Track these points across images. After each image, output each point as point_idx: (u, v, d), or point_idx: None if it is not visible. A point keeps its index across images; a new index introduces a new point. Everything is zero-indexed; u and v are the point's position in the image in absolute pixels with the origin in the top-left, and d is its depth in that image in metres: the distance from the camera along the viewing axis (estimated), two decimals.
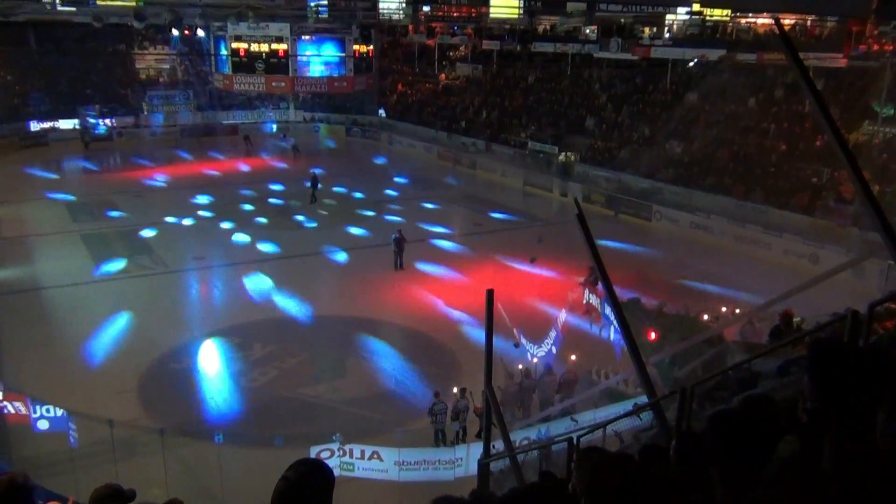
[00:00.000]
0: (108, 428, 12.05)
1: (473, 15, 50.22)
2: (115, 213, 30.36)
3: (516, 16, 48.90)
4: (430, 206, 33.11)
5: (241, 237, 27.56)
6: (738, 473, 2.17)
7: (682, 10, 42.56)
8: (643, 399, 7.64)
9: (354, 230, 29.00)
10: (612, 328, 16.01)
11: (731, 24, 41.90)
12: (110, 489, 3.61)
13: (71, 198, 32.49)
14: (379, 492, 12.92)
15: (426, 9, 50.92)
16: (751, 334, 14.76)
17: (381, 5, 50.52)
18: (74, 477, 11.56)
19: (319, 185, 33.05)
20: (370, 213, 31.49)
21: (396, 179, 38.42)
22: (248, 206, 31.89)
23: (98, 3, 42.49)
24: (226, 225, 29.02)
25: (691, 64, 37.95)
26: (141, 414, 15.03)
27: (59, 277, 22.74)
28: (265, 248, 26.48)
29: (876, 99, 28.40)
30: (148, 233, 27.74)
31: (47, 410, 12.71)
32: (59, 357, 17.42)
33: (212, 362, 17.71)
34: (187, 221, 29.47)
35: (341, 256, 25.96)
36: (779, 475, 2.07)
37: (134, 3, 41.93)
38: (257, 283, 23.19)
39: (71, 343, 18.41)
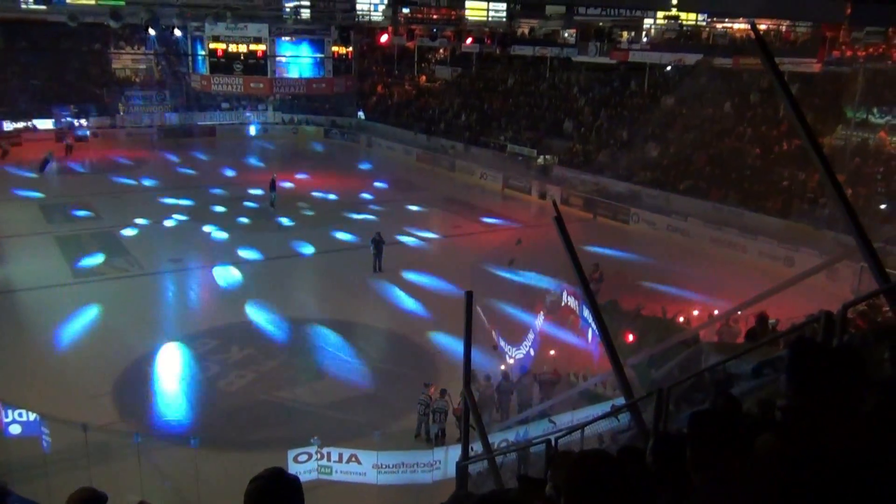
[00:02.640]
0: (82, 432, 11.90)
1: (453, 18, 50.22)
2: (90, 215, 29.99)
3: (485, 18, 48.97)
4: (408, 207, 33.07)
5: (218, 239, 27.36)
6: (716, 472, 2.19)
7: (659, 14, 42.93)
8: (621, 401, 7.69)
9: (332, 232, 28.87)
10: (590, 330, 16.09)
11: (707, 28, 42.33)
12: (87, 493, 3.58)
13: (43, 198, 32.07)
14: (357, 495, 12.87)
15: (406, 10, 50.84)
16: (728, 335, 14.93)
17: (358, 7, 50.35)
18: (47, 482, 11.40)
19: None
20: (348, 216, 31.36)
21: (375, 181, 38.33)
22: (224, 208, 31.62)
23: (69, 1, 41.86)
24: (203, 227, 28.76)
25: (668, 68, 38.28)
26: (116, 418, 14.86)
27: (32, 279, 22.42)
28: (242, 250, 26.25)
29: (849, 104, 28.83)
30: (123, 234, 27.44)
31: (19, 415, 12.50)
32: (32, 360, 17.16)
33: (188, 365, 17.54)
34: (164, 223, 29.18)
35: (319, 259, 25.85)
36: (755, 472, 2.09)
37: (110, 3, 41.36)
38: (234, 286, 23.03)
39: (44, 346, 18.15)
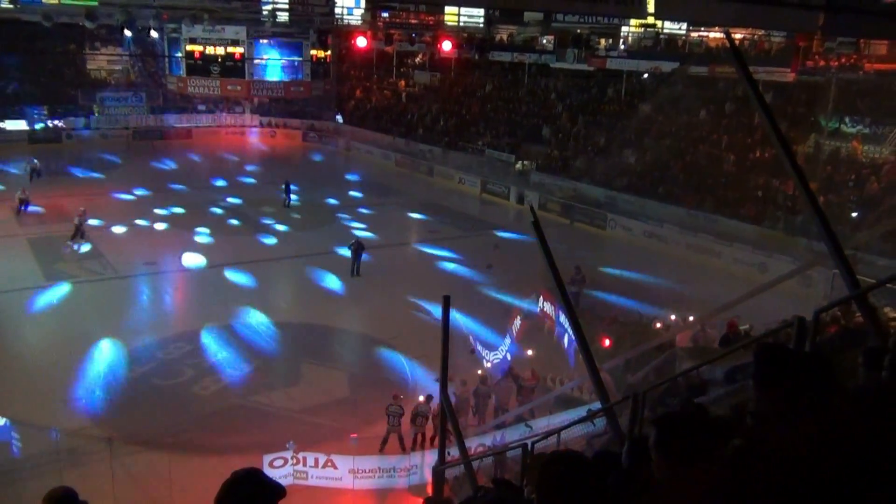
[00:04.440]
0: (53, 437, 11.73)
1: (431, 23, 50.26)
2: (63, 217, 29.52)
3: (457, 23, 49.07)
4: (386, 212, 33.02)
5: (193, 243, 27.07)
6: (681, 476, 2.21)
7: (636, 22, 43.26)
8: (597, 405, 7.73)
9: (310, 236, 28.76)
10: (567, 335, 16.16)
11: (683, 37, 42.74)
12: (65, 491, 3.54)
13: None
14: (333, 500, 12.82)
15: (385, 15, 50.83)
16: (702, 340, 15.08)
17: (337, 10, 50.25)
18: (16, 489, 11.23)
19: (293, 194, 32.91)
20: (326, 219, 31.27)
21: (353, 186, 38.26)
22: (200, 211, 31.35)
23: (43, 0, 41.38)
24: (178, 230, 28.51)
25: (645, 75, 38.62)
26: (88, 423, 14.66)
27: (3, 282, 22.05)
28: (218, 253, 26.07)
29: (822, 113, 29.25)
30: (98, 237, 27.07)
31: None
32: (2, 364, 16.88)
33: (162, 370, 17.36)
34: (138, 226, 28.84)
35: (296, 262, 25.72)
36: (724, 472, 2.11)
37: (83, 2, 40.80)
38: (210, 290, 22.83)
39: (15, 350, 17.87)
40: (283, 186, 32.95)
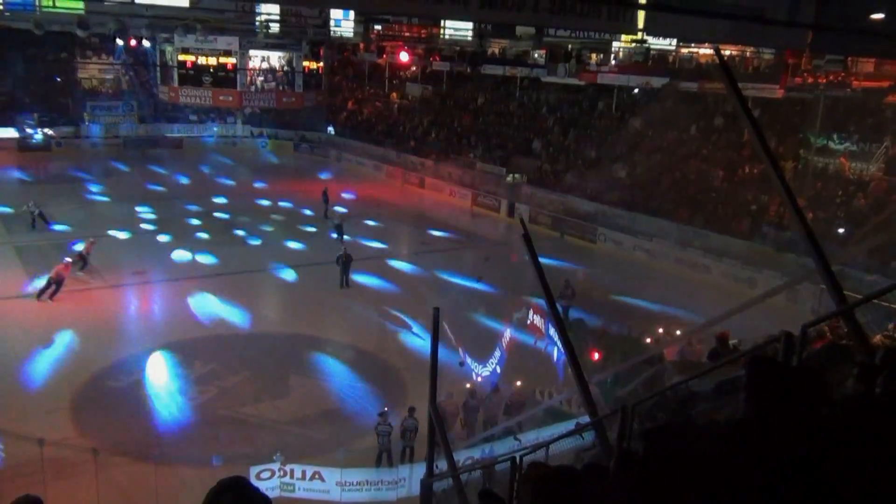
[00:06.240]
0: (37, 447, 11.61)
1: (424, 35, 50.38)
2: (51, 225, 29.34)
3: (441, 34, 49.24)
4: (376, 224, 32.99)
5: (181, 252, 26.95)
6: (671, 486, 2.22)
7: (627, 38, 43.57)
8: (586, 418, 7.72)
9: (299, 246, 28.70)
10: (556, 348, 16.15)
11: (673, 53, 43.09)
12: (29, 500, 3.50)
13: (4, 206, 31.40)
14: None
15: (378, 27, 50.94)
16: (690, 354, 15.09)
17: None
18: None
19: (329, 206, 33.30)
20: (316, 230, 31.21)
21: (342, 197, 38.20)
22: (190, 221, 31.27)
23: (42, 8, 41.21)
24: (167, 239, 28.38)
25: (636, 90, 38.87)
26: (73, 433, 14.53)
27: None
28: (207, 263, 25.97)
29: (810, 129, 29.50)
30: (85, 245, 26.83)
31: None
32: None
33: (148, 380, 17.23)
34: (127, 235, 28.72)
35: (285, 273, 25.64)
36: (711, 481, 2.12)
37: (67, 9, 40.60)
38: (198, 299, 22.70)
39: None
40: (322, 195, 33.21)
